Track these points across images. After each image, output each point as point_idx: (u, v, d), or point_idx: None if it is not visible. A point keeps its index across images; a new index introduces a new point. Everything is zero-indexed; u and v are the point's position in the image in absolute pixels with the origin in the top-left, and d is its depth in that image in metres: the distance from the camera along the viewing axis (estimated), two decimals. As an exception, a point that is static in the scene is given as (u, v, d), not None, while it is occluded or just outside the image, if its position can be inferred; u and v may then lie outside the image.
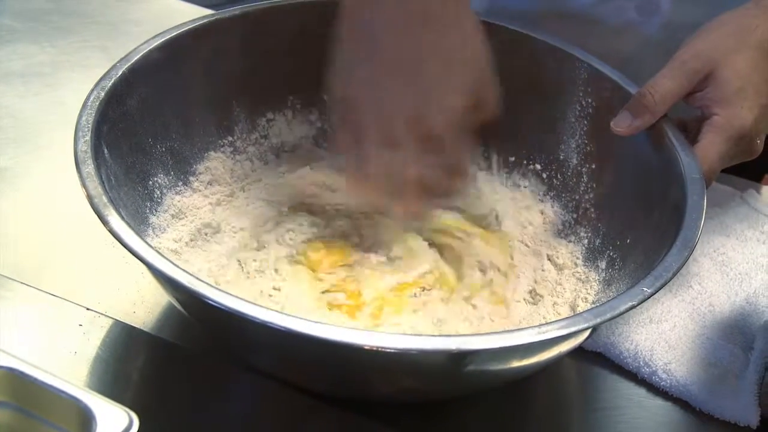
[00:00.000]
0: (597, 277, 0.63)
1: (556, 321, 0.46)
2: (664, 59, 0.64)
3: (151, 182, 0.62)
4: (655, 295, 0.49)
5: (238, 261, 0.62)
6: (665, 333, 0.63)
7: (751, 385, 0.59)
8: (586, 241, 0.66)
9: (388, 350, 0.44)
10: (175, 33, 0.64)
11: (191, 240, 0.63)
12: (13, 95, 0.81)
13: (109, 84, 0.58)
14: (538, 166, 0.72)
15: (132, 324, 0.58)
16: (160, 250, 0.48)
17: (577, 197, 0.69)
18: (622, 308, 0.48)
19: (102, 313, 0.58)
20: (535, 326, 0.46)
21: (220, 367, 0.56)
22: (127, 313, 0.60)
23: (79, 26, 0.93)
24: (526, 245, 0.67)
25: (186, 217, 0.64)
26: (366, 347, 0.43)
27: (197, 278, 0.45)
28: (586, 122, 0.69)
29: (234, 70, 0.68)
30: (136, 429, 0.41)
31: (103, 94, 0.57)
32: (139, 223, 0.59)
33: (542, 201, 0.71)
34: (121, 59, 0.60)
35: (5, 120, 0.77)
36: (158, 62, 0.62)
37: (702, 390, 0.59)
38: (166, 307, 0.61)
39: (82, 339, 0.56)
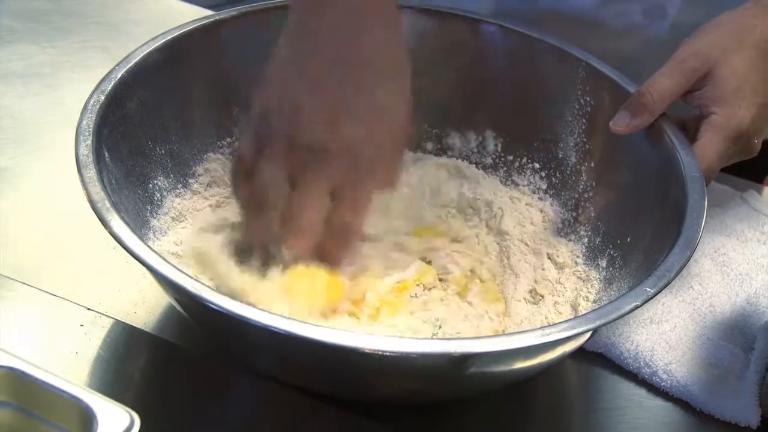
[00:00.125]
0: (598, 276, 0.63)
1: (558, 323, 0.46)
2: (667, 59, 0.64)
3: (151, 185, 0.62)
4: (656, 296, 0.49)
5: (239, 261, 0.62)
6: (666, 333, 0.63)
7: (751, 385, 0.59)
8: (586, 239, 0.66)
9: (389, 353, 0.44)
10: (174, 34, 0.64)
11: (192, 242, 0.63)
12: (13, 96, 0.81)
13: (109, 87, 0.58)
14: (537, 165, 0.72)
15: (133, 324, 0.59)
16: (161, 254, 0.48)
17: (576, 195, 0.69)
18: (626, 308, 0.48)
19: (103, 314, 0.58)
20: (537, 329, 0.46)
21: (221, 367, 0.56)
22: (128, 313, 0.60)
23: (79, 27, 0.93)
24: (526, 244, 0.67)
25: (186, 219, 0.64)
26: (367, 351, 0.43)
27: (199, 282, 0.45)
28: (584, 121, 0.69)
29: (233, 71, 0.68)
30: (138, 429, 0.41)
31: (103, 97, 0.57)
32: (140, 226, 0.59)
33: (542, 199, 0.71)
34: (121, 61, 0.60)
35: (5, 120, 0.77)
36: (158, 64, 0.62)
37: (702, 390, 0.59)
38: (167, 308, 0.61)
39: (83, 339, 0.56)
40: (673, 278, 0.50)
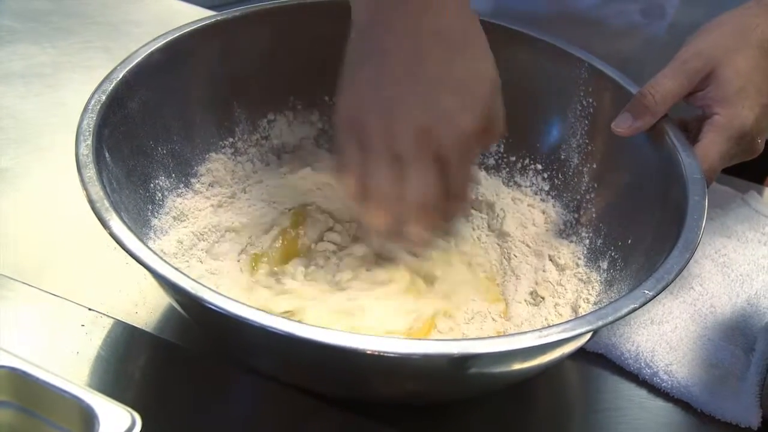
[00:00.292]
0: (598, 278, 0.63)
1: (557, 324, 0.46)
2: (668, 60, 0.64)
3: (152, 185, 0.62)
4: (657, 297, 0.49)
5: (239, 262, 0.62)
6: (666, 334, 0.63)
7: (752, 386, 0.59)
8: (587, 241, 0.66)
9: (390, 355, 0.44)
10: (175, 35, 0.64)
11: (193, 242, 0.63)
12: (14, 96, 0.81)
13: (110, 87, 0.58)
14: (539, 166, 0.72)
15: (134, 324, 0.59)
16: (161, 253, 0.48)
17: (578, 197, 0.69)
18: (624, 311, 0.48)
19: (104, 314, 0.58)
20: (536, 330, 0.46)
21: (221, 367, 0.56)
22: (129, 313, 0.60)
23: (80, 27, 0.93)
24: (528, 246, 0.67)
25: (188, 219, 0.64)
26: (368, 352, 0.43)
27: (199, 283, 0.45)
28: (586, 122, 0.69)
29: (235, 70, 0.68)
30: (139, 429, 0.40)
31: (104, 97, 0.57)
32: (141, 226, 0.59)
33: (544, 201, 0.71)
34: (122, 62, 0.60)
35: (6, 121, 0.77)
36: (159, 64, 0.62)
37: (703, 391, 0.59)
38: (167, 308, 0.61)
39: (83, 339, 0.56)
40: (672, 280, 0.50)
